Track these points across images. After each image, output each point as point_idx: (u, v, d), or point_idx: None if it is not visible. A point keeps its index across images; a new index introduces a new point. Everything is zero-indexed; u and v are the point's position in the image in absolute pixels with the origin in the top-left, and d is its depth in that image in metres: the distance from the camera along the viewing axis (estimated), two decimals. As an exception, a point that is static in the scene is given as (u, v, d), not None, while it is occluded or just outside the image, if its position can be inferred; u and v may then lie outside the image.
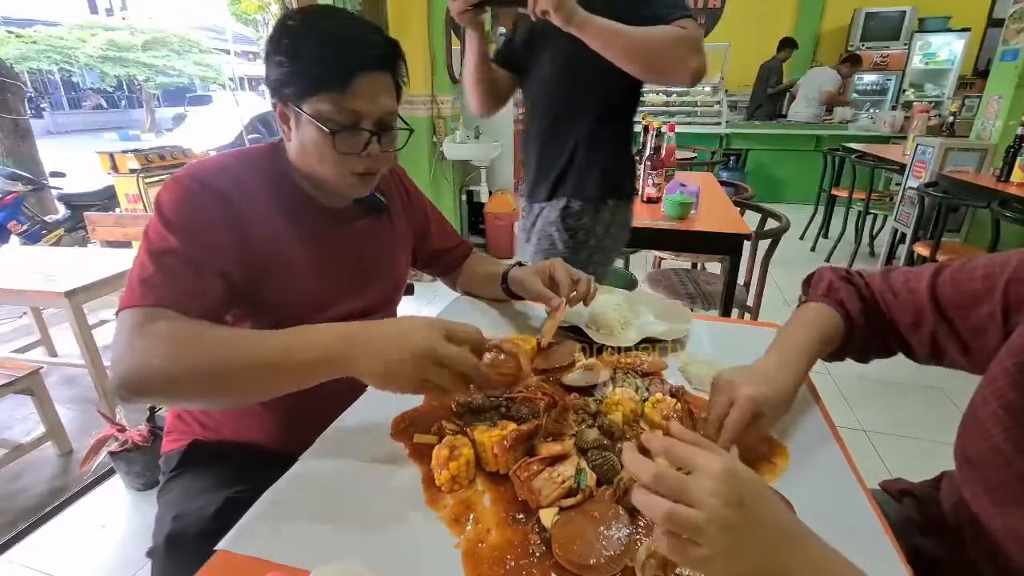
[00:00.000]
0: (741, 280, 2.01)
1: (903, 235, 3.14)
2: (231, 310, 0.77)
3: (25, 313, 2.72)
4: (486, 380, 0.63)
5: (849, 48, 6.40)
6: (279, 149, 0.82)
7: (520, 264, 1.02)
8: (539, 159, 1.39)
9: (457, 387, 0.61)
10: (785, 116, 6.10)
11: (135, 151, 3.66)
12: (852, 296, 0.73)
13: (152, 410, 1.68)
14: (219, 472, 0.82)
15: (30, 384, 1.69)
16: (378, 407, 0.75)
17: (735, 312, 1.88)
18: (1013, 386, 0.54)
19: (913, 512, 0.72)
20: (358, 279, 0.90)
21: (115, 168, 3.56)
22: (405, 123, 0.83)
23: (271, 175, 0.80)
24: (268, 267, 0.76)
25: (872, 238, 4.03)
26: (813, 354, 0.69)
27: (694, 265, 2.72)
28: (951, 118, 3.45)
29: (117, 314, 0.64)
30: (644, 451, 0.43)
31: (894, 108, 6.10)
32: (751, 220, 2.01)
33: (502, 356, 0.69)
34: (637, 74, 1.12)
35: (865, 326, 0.73)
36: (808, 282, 0.81)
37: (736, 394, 0.60)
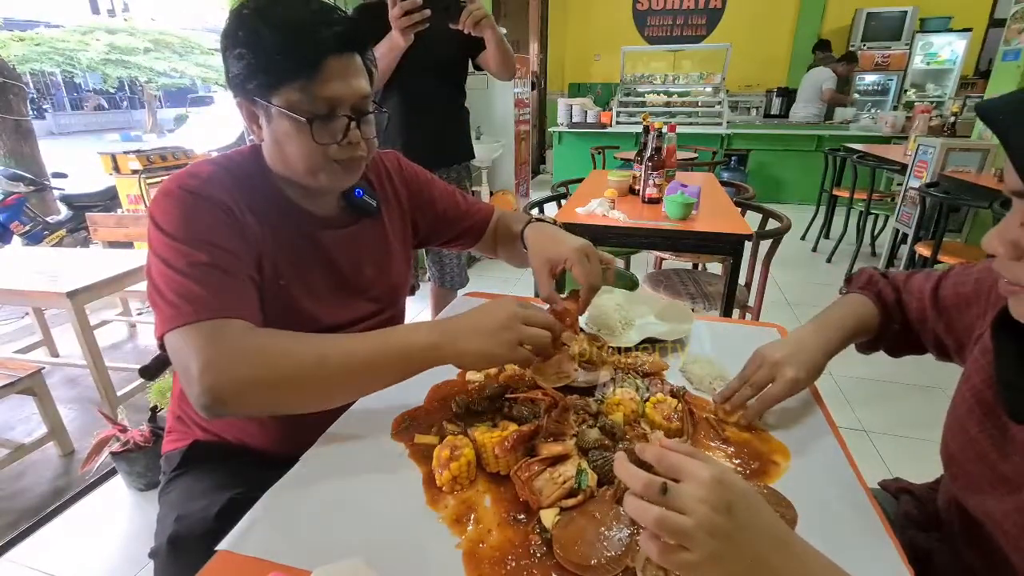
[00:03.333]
0: (742, 280, 2.01)
1: (904, 235, 3.14)
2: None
3: (27, 313, 2.73)
4: (560, 336, 0.70)
5: (850, 48, 6.39)
6: (260, 153, 0.78)
7: (540, 219, 0.95)
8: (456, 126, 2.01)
9: (545, 343, 0.67)
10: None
11: (137, 152, 3.66)
12: (888, 288, 0.79)
13: (153, 410, 1.69)
14: (221, 472, 0.81)
15: (32, 384, 1.70)
16: (378, 408, 0.75)
17: (736, 312, 1.88)
18: (986, 382, 0.58)
19: (910, 508, 0.74)
20: (352, 288, 0.86)
21: (117, 169, 3.56)
22: (379, 106, 0.77)
23: (255, 182, 0.76)
24: (263, 280, 0.74)
25: (873, 238, 4.02)
26: (848, 329, 0.75)
27: (695, 265, 2.72)
28: (952, 118, 3.44)
29: (162, 338, 0.61)
30: (640, 461, 0.44)
31: (895, 108, 6.10)
32: (752, 220, 2.01)
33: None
34: (498, 66, 1.76)
35: (898, 317, 0.78)
36: (849, 280, 0.86)
37: (779, 372, 0.68)
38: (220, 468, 0.82)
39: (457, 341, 0.65)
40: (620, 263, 2.70)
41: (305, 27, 0.66)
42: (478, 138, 3.84)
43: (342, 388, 0.65)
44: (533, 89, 6.11)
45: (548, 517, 0.54)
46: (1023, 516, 0.51)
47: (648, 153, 2.02)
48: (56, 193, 3.89)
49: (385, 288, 0.92)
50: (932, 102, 5.93)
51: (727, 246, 1.75)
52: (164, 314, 0.62)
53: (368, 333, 0.66)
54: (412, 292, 1.98)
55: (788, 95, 6.58)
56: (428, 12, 1.32)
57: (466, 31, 1.45)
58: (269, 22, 0.66)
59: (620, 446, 0.65)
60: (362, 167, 0.79)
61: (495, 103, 4.28)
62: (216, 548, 0.53)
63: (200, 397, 0.58)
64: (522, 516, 0.56)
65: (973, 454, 0.58)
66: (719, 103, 5.67)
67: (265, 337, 0.63)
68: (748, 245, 1.78)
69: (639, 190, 2.13)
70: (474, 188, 4.06)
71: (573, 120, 5.84)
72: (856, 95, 6.50)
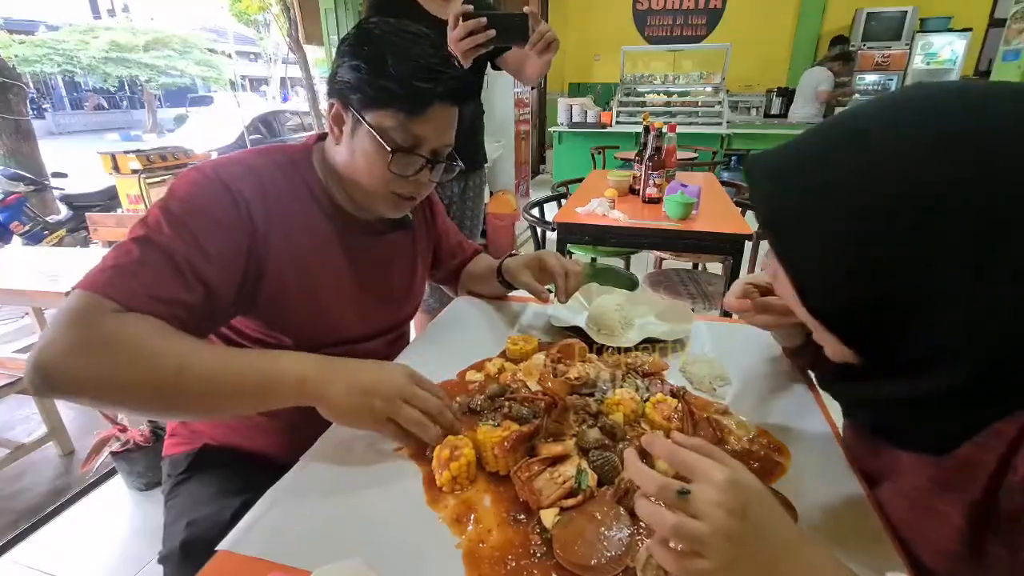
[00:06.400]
0: (742, 280, 2.00)
1: (905, 235, 3.14)
2: (217, 326, 0.74)
3: (27, 313, 2.73)
4: (452, 425, 0.65)
5: (851, 48, 6.39)
6: (314, 151, 0.80)
7: (513, 255, 1.05)
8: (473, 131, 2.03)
9: (421, 431, 0.62)
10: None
11: (137, 152, 3.67)
12: None
13: (153, 410, 1.69)
14: (228, 477, 0.81)
15: (32, 384, 1.70)
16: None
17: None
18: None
19: None
20: (380, 295, 0.87)
21: (117, 169, 3.57)
22: (457, 159, 0.81)
23: (302, 179, 0.77)
24: (288, 279, 0.73)
25: (873, 238, 4.03)
26: None
27: (695, 265, 2.72)
28: (953, 118, 3.44)
29: (73, 288, 0.57)
30: (644, 453, 0.43)
31: (895, 108, 6.08)
32: (752, 220, 2.00)
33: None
34: (535, 77, 1.63)
35: None
36: None
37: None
38: (227, 473, 0.82)
39: (329, 386, 0.61)
40: (620, 263, 2.70)
41: (428, 71, 0.69)
42: (478, 138, 3.85)
43: (194, 405, 0.59)
44: (532, 89, 6.12)
45: (548, 517, 0.54)
46: (904, 501, 0.53)
47: (648, 153, 2.02)
48: (56, 193, 3.89)
49: (410, 298, 0.95)
50: (932, 102, 5.92)
51: (727, 246, 1.75)
52: (90, 271, 0.58)
53: (241, 350, 0.63)
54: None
55: (788, 95, 6.57)
56: (493, 33, 1.19)
57: (536, 55, 1.29)
58: (398, 52, 0.69)
59: (620, 446, 0.65)
60: (413, 205, 0.82)
61: (495, 103, 4.28)
62: (216, 548, 0.53)
63: (30, 362, 0.52)
64: (522, 516, 0.56)
65: (870, 465, 0.61)
66: (719, 103, 5.67)
67: (136, 329, 0.56)
68: (748, 245, 1.78)
69: (639, 190, 2.13)
70: (474, 188, 4.09)
71: (573, 120, 5.83)
72: (856, 95, 6.50)
